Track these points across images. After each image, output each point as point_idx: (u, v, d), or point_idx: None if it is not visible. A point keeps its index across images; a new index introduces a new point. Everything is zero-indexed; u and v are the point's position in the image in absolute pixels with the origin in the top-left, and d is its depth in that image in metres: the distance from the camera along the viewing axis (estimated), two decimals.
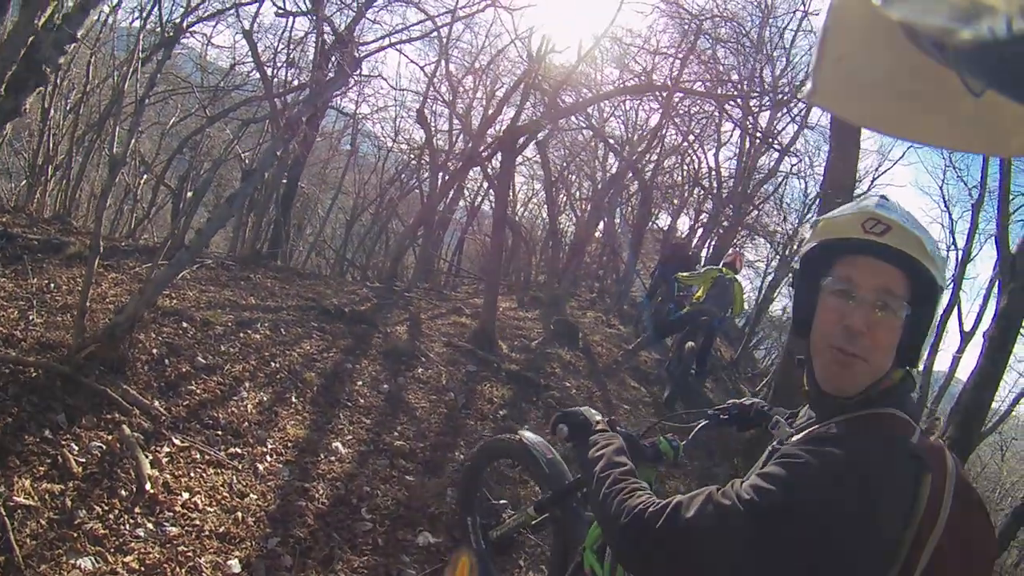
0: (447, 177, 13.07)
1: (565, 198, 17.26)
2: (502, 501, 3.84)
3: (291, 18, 11.13)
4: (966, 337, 17.33)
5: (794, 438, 1.63)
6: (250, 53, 9.34)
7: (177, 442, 3.92)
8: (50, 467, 3.30)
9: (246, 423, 4.49)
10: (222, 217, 5.55)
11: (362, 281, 11.99)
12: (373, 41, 12.49)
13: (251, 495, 3.78)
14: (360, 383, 6.13)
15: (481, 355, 7.98)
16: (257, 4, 11.11)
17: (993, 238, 12.14)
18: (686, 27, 10.57)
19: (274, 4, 11.05)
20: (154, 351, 4.81)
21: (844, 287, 1.57)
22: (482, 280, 18.06)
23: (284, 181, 12.09)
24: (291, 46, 12.09)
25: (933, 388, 16.97)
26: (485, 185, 18.24)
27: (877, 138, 21.25)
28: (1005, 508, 18.63)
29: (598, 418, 2.28)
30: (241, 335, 5.94)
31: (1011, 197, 10.02)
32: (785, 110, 13.84)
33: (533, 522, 3.26)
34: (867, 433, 1.45)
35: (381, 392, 6.13)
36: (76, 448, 3.49)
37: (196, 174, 13.66)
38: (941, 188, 23.14)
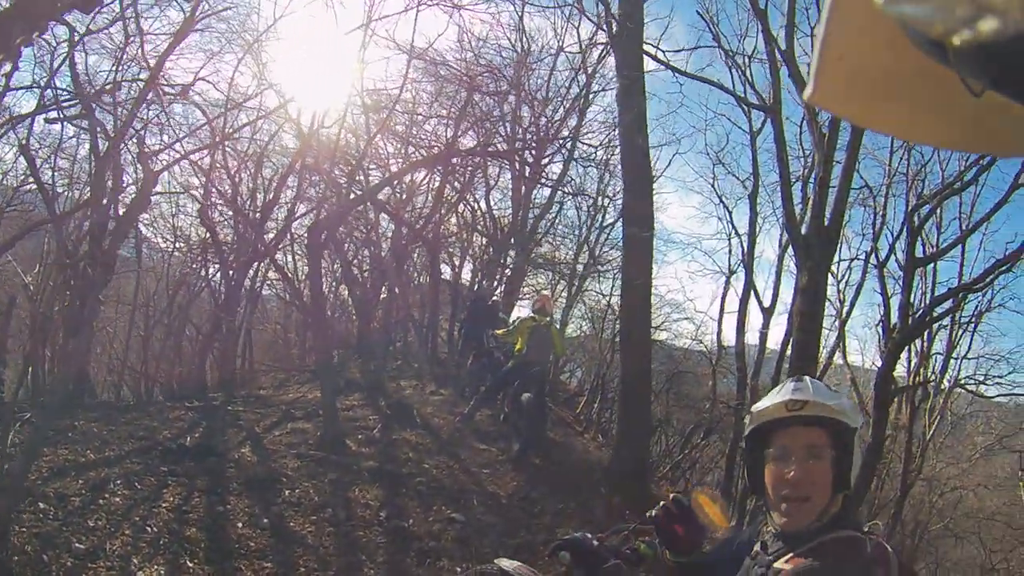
0: (235, 273, 12.57)
1: (352, 270, 17.06)
2: None
3: (63, 125, 10.49)
4: (767, 312, 18.65)
5: (778, 565, 2.01)
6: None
7: None
8: None
9: None
10: (65, 382, 5.05)
11: (173, 401, 11.24)
12: (163, 148, 11.86)
13: None
14: (240, 524, 5.76)
15: (335, 460, 7.73)
16: (31, 117, 10.28)
17: (773, 220, 13.22)
18: (454, 88, 10.71)
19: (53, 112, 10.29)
20: (27, 548, 4.27)
21: (781, 453, 2.03)
22: (283, 370, 17.52)
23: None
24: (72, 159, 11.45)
25: (749, 365, 18.11)
26: (264, 270, 17.72)
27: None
28: None
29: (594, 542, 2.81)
30: (100, 501, 5.39)
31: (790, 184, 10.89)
32: (554, 146, 14.35)
33: None
34: (843, 558, 1.91)
35: (264, 528, 5.79)
36: None
37: None
38: (712, 185, 24.86)
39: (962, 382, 20.03)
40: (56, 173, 12.25)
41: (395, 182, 13.69)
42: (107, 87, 10.17)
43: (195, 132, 11.62)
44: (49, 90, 10.08)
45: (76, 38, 9.47)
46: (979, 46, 0.50)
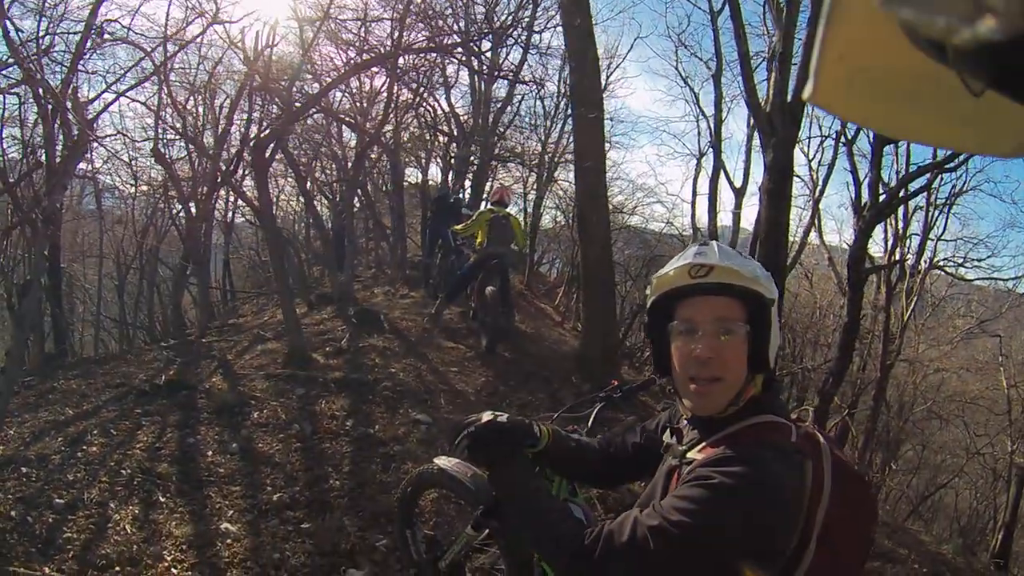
0: (198, 207, 12.73)
1: (311, 185, 17.10)
2: (430, 533, 4.08)
3: (4, 96, 10.48)
4: (739, 193, 18.92)
5: (692, 455, 1.92)
6: None
7: None
8: None
9: (135, 546, 4.45)
10: (21, 344, 5.38)
11: (155, 344, 11.61)
12: (96, 96, 11.84)
13: None
14: (210, 453, 6.08)
15: (303, 375, 7.99)
16: None
17: (741, 101, 13.29)
18: None
19: None
20: (12, 514, 4.64)
21: (686, 327, 1.87)
22: (260, 295, 17.77)
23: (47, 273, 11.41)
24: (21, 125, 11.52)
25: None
26: (233, 200, 17.79)
27: (602, 39, 21.98)
28: (830, 324, 20.57)
29: (490, 417, 2.28)
30: (79, 455, 5.73)
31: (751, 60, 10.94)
32: (507, 38, 14.26)
33: (476, 542, 3.41)
34: (759, 448, 1.73)
35: (233, 453, 6.10)
36: None
37: None
38: (676, 67, 24.55)
39: (940, 264, 20.19)
40: (9, 143, 12.29)
41: (346, 90, 13.69)
42: (43, 45, 10.10)
43: (134, 70, 11.55)
44: None
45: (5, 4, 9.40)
46: (979, 46, 0.51)
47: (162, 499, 5.21)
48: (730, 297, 1.84)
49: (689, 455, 1.92)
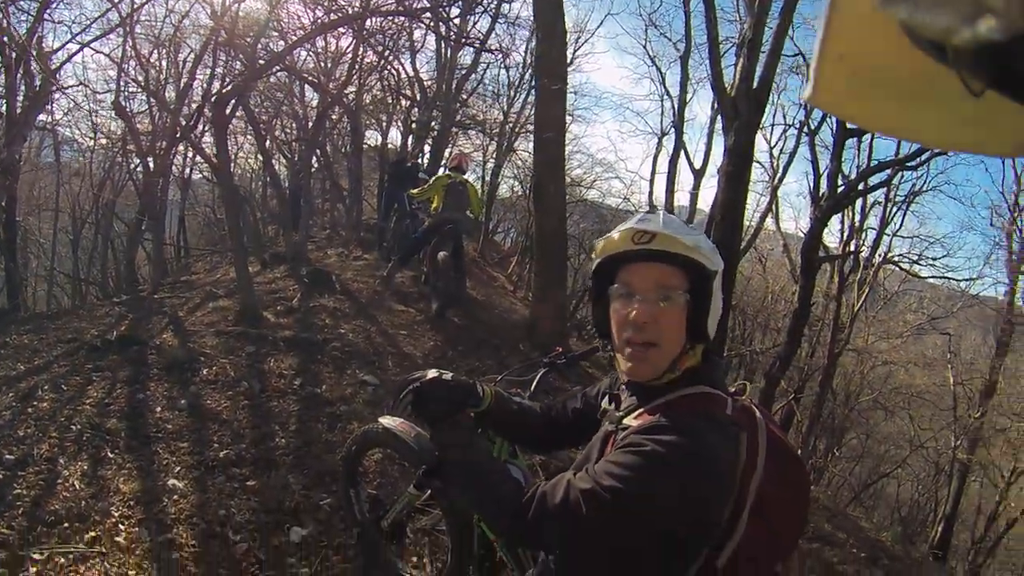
0: (156, 162, 12.67)
1: (271, 143, 17.01)
2: (373, 492, 4.21)
3: None
4: (698, 174, 19.16)
5: (627, 421, 1.93)
6: None
7: (37, 556, 3.95)
8: None
9: (83, 502, 4.56)
10: None
11: (107, 300, 11.59)
12: (60, 46, 11.70)
13: (129, 573, 3.98)
14: (159, 409, 6.17)
15: (253, 333, 8.08)
16: None
17: (707, 83, 13.40)
18: None
19: None
20: None
21: (625, 290, 1.89)
22: (214, 252, 17.69)
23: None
24: None
25: None
26: (192, 156, 17.65)
27: (572, 13, 21.97)
28: (780, 310, 20.90)
29: (435, 375, 2.38)
30: (29, 410, 5.82)
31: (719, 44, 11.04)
32: (477, 6, 14.21)
33: (418, 502, 3.50)
34: (694, 418, 1.76)
35: (181, 409, 6.19)
36: None
37: None
38: (644, 46, 24.60)
39: (895, 259, 20.64)
40: None
41: (312, 49, 13.66)
42: None
43: (99, 21, 11.42)
44: None
45: None
46: (979, 46, 0.51)
47: (111, 455, 5.30)
48: (671, 265, 1.86)
49: (625, 421, 1.94)
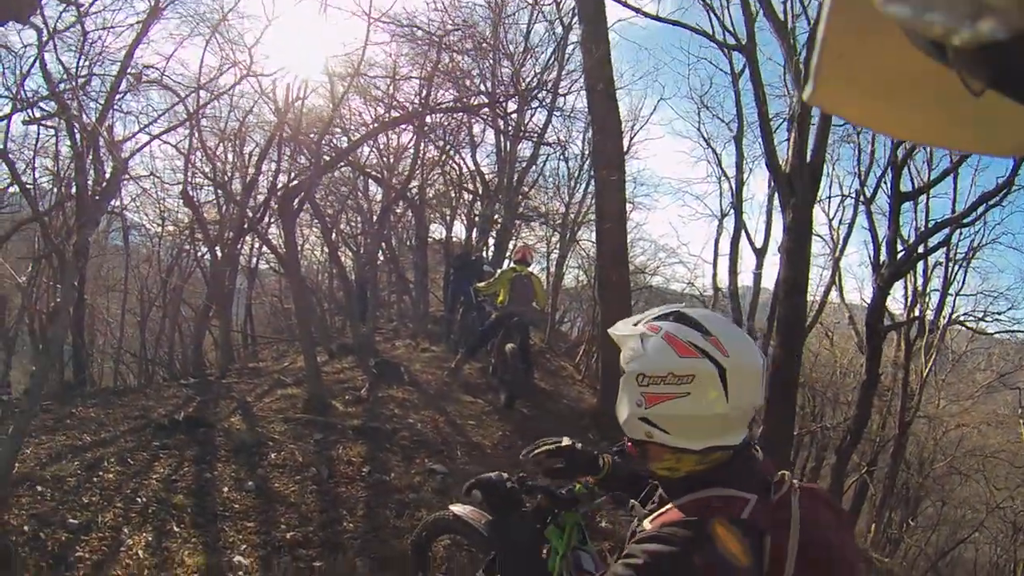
0: (223, 251, 12.86)
1: (336, 236, 17.27)
2: None
3: (39, 126, 10.73)
4: (759, 253, 18.93)
5: (646, 523, 1.85)
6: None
7: None
8: None
9: (146, 571, 4.42)
10: (46, 367, 5.39)
11: (174, 381, 11.61)
12: (130, 136, 12.10)
13: None
14: (226, 488, 6.06)
15: (322, 421, 7.97)
16: (6, 120, 10.47)
17: (762, 162, 13.40)
18: (426, 47, 10.78)
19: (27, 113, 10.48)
20: (25, 528, 4.62)
21: None
22: (280, 340, 17.80)
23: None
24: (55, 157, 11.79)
25: (744, 306, 18.32)
26: (258, 246, 17.96)
27: (626, 101, 22.39)
28: (850, 383, 20.40)
29: (572, 443, 2.63)
30: (95, 479, 5.72)
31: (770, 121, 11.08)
32: (533, 100, 14.47)
33: None
34: (695, 527, 1.65)
35: (248, 491, 6.07)
36: None
37: None
38: (699, 128, 25.01)
39: (960, 319, 20.33)
40: (40, 173, 12.52)
41: (375, 145, 13.91)
42: (80, 82, 10.35)
43: (167, 114, 11.80)
44: (22, 92, 10.28)
45: (44, 39, 9.68)
46: (979, 46, 0.51)
47: (176, 529, 5.18)
48: None
49: (644, 522, 1.87)
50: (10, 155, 9.92)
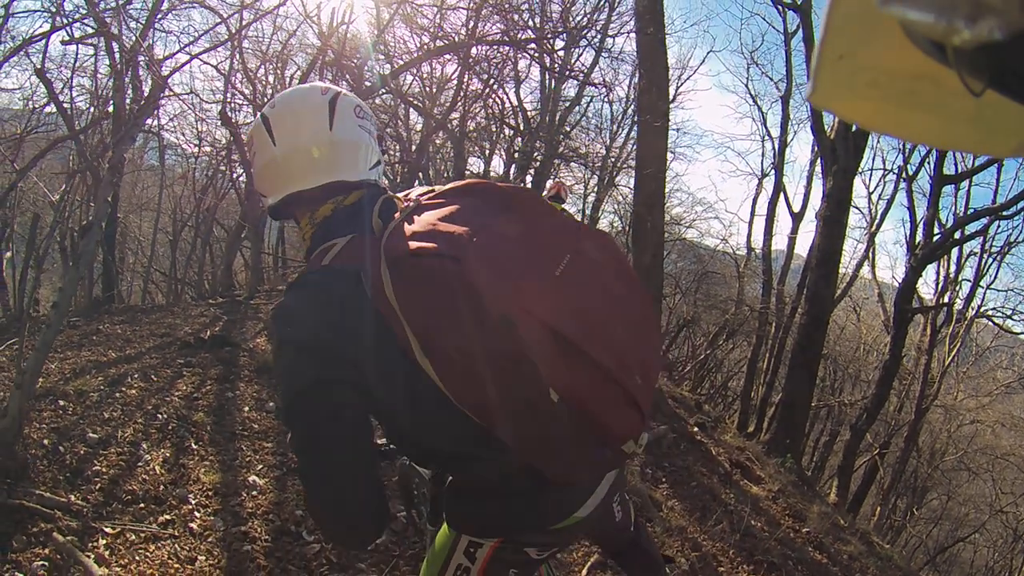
0: None
1: None
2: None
3: (78, 45, 10.69)
4: (796, 218, 18.69)
5: None
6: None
7: (109, 530, 3.87)
8: None
9: (162, 486, 4.47)
10: (74, 281, 5.41)
11: (203, 300, 11.73)
12: (170, 55, 12.03)
13: (199, 557, 3.84)
14: (247, 408, 6.13)
15: None
16: (45, 39, 10.45)
17: (808, 125, 13.16)
18: None
19: (66, 32, 10.43)
20: (45, 442, 4.68)
21: None
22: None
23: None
24: (93, 76, 11.94)
25: (776, 269, 18.15)
26: None
27: (675, 49, 22.20)
28: (872, 362, 20.26)
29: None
30: (117, 395, 5.79)
31: None
32: (581, 40, 14.18)
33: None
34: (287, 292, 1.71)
35: (269, 412, 6.14)
36: None
37: (14, 235, 12.82)
38: (747, 85, 24.24)
39: (988, 312, 19.78)
40: (77, 92, 12.56)
41: (418, 73, 13.77)
42: (120, 1, 10.25)
43: (208, 34, 11.70)
44: (61, 11, 10.20)
45: None
46: (979, 46, 0.51)
47: (194, 446, 5.24)
48: None
49: None
50: (48, 74, 9.85)
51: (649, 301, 1.88)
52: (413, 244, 1.54)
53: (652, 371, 1.77)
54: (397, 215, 1.70)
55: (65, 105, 10.86)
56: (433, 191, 1.82)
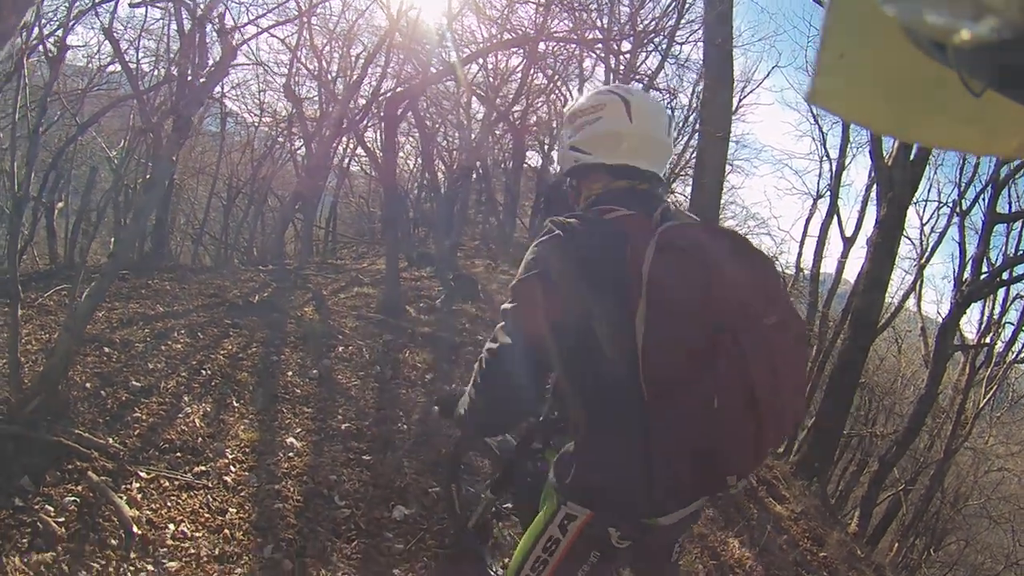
0: (318, 147, 12.93)
1: (432, 149, 17.25)
2: (472, 491, 3.98)
3: (147, 8, 10.80)
4: (848, 242, 18.29)
5: None
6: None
7: (143, 474, 3.86)
8: (32, 536, 3.18)
9: (200, 438, 4.47)
10: (133, 236, 5.43)
11: (252, 266, 11.80)
12: (239, 26, 12.14)
13: (230, 509, 3.82)
14: (290, 373, 6.13)
15: (393, 323, 8.01)
16: (114, 1, 10.60)
17: (867, 149, 12.91)
18: None
19: None
20: (87, 385, 4.71)
21: None
22: (362, 242, 17.96)
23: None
24: (159, 38, 12.12)
25: (822, 292, 17.83)
26: (352, 146, 18.02)
27: (740, 61, 22.05)
28: (909, 396, 19.82)
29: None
30: (163, 348, 5.85)
31: None
32: (648, 44, 14.10)
33: (500, 506, 3.41)
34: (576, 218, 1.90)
35: (312, 378, 6.13)
36: (52, 509, 3.37)
37: (68, 186, 12.99)
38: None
39: None
40: (142, 53, 12.74)
41: (483, 64, 13.77)
42: None
43: (278, 8, 11.77)
44: None
45: None
46: (979, 46, 0.51)
47: (236, 404, 5.25)
48: None
49: None
50: (115, 34, 9.97)
51: (806, 362, 2.10)
52: (682, 243, 1.79)
53: (790, 428, 1.97)
54: (674, 220, 1.92)
55: (131, 64, 10.97)
56: (695, 217, 2.06)
